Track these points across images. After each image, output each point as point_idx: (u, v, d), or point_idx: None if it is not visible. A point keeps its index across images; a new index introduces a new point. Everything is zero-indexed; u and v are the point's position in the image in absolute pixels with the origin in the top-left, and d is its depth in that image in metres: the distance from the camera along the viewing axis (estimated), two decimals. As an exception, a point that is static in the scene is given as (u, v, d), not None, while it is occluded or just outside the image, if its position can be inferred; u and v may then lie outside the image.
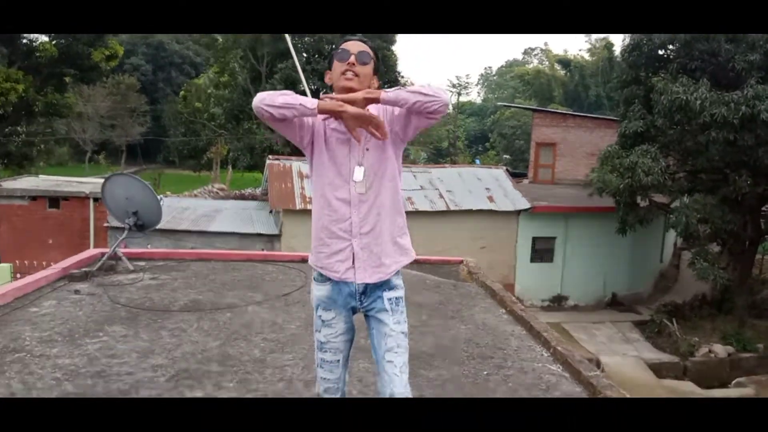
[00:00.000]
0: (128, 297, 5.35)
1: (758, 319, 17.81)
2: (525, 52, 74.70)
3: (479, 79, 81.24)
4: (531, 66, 65.95)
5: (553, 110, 31.40)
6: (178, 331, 4.55)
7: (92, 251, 6.85)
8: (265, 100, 2.28)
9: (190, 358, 4.03)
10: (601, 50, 48.50)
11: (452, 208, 18.02)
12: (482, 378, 3.96)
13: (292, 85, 30.88)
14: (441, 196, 18.46)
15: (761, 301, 19.12)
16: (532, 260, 19.04)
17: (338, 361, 2.50)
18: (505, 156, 47.77)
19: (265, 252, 8.12)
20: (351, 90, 2.36)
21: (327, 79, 2.51)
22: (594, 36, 61.15)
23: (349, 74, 2.37)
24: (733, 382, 14.97)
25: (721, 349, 15.91)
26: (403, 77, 33.58)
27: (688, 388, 14.30)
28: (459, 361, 4.24)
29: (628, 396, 3.62)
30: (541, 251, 19.19)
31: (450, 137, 54.94)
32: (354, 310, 2.53)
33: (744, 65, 14.12)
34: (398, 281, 2.51)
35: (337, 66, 2.42)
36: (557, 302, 19.27)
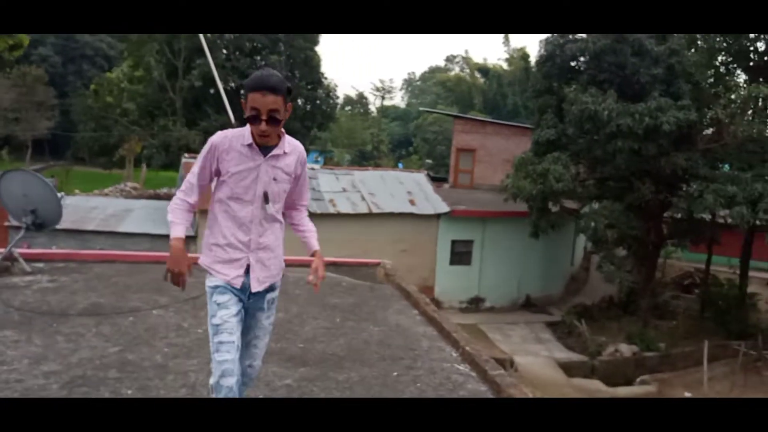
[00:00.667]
0: (23, 300, 5.01)
1: (660, 320, 18.91)
2: (447, 59, 76.24)
3: (403, 84, 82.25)
4: (453, 73, 67.33)
5: (472, 117, 32.18)
6: (75, 336, 4.29)
7: (-16, 252, 6.37)
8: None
9: (87, 364, 3.80)
10: (518, 60, 50.16)
11: (374, 210, 18.08)
12: (392, 379, 3.97)
13: (212, 81, 30.09)
14: (363, 198, 18.49)
15: (663, 302, 20.32)
16: (451, 263, 19.39)
17: (233, 342, 2.60)
18: (427, 160, 48.50)
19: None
20: (268, 141, 2.61)
21: (244, 107, 2.57)
22: (512, 45, 63.25)
23: (263, 135, 2.56)
24: (638, 379, 15.78)
25: (626, 349, 16.74)
26: (326, 78, 33.48)
27: (595, 387, 14.96)
28: (369, 363, 4.23)
29: (530, 395, 3.72)
30: (460, 254, 19.58)
31: (374, 141, 55.26)
32: (243, 300, 2.73)
33: (648, 78, 14.97)
34: (279, 283, 2.88)
35: (251, 125, 2.56)
36: (474, 304, 19.72)
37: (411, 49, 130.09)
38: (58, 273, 5.99)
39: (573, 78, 16.62)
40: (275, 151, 2.62)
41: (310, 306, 5.55)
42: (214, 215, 2.69)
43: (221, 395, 2.53)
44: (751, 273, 20.40)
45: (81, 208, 17.54)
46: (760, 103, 15.57)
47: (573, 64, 17.05)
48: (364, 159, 51.84)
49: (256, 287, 2.70)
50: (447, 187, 25.28)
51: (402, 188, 19.65)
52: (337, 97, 36.98)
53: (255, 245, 2.68)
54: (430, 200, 19.33)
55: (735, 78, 17.60)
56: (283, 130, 2.64)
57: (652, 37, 15.04)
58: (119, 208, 18.84)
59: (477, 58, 76.72)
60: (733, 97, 15.51)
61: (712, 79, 17.02)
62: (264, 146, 2.61)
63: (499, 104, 51.08)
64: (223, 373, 2.53)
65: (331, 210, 17.48)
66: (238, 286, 2.66)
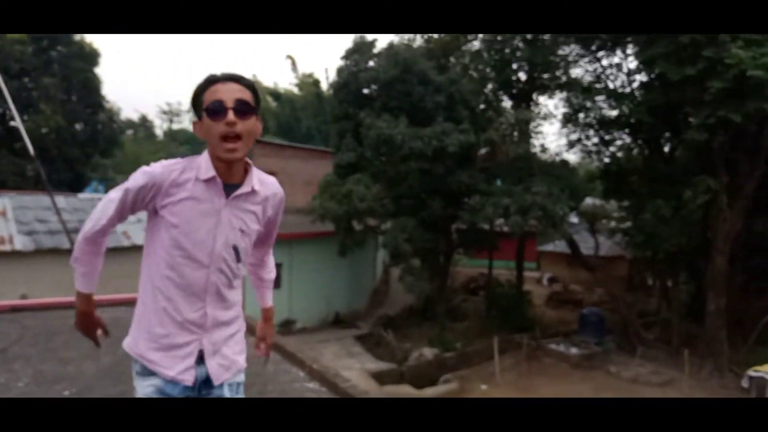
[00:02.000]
0: None
1: (454, 322, 20.74)
2: (236, 83, 75.36)
3: (189, 108, 79.49)
4: (243, 96, 66.73)
5: (271, 141, 32.38)
6: None
7: None
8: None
9: None
10: (309, 86, 51.65)
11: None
12: (248, 406, 4.06)
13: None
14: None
15: (455, 306, 22.33)
16: (260, 288, 19.24)
17: None
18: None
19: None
20: (234, 161, 1.87)
21: (198, 133, 1.94)
22: (300, 71, 64.80)
23: (230, 143, 1.84)
24: (441, 379, 17.13)
25: (429, 352, 18.07)
26: (108, 102, 31.30)
27: (405, 391, 15.93)
28: (222, 393, 4.27)
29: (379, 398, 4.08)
30: (269, 278, 19.53)
31: (163, 167, 52.57)
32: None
33: (433, 105, 16.57)
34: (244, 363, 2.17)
35: (211, 125, 1.85)
36: (286, 326, 19.82)
37: (196, 73, 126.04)
38: None
39: (367, 104, 17.73)
40: (242, 190, 1.93)
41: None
42: (149, 281, 1.95)
43: None
44: (524, 273, 23.34)
45: None
46: (524, 126, 18.09)
47: (366, 91, 18.19)
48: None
49: (220, 377, 1.99)
50: (248, 212, 25.08)
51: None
52: (122, 121, 34.69)
53: (212, 322, 1.96)
54: (235, 226, 19.09)
55: (502, 104, 20.20)
56: (250, 161, 1.97)
57: (434, 67, 16.73)
58: None
59: (267, 82, 77.09)
60: (502, 120, 17.81)
61: (483, 105, 19.33)
62: (226, 184, 1.91)
63: (294, 128, 51.92)
64: None
65: (125, 243, 16.42)
66: (190, 383, 1.93)
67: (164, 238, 1.90)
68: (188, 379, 1.93)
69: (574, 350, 18.88)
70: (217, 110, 1.82)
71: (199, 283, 1.92)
